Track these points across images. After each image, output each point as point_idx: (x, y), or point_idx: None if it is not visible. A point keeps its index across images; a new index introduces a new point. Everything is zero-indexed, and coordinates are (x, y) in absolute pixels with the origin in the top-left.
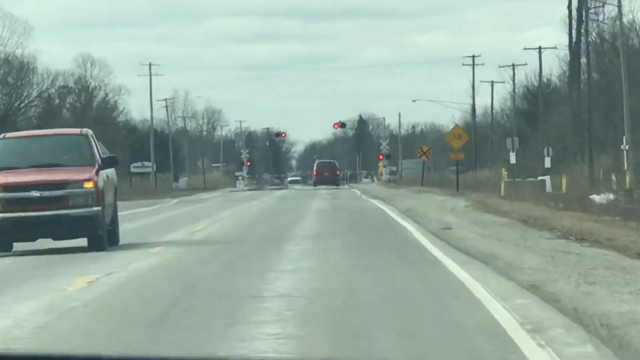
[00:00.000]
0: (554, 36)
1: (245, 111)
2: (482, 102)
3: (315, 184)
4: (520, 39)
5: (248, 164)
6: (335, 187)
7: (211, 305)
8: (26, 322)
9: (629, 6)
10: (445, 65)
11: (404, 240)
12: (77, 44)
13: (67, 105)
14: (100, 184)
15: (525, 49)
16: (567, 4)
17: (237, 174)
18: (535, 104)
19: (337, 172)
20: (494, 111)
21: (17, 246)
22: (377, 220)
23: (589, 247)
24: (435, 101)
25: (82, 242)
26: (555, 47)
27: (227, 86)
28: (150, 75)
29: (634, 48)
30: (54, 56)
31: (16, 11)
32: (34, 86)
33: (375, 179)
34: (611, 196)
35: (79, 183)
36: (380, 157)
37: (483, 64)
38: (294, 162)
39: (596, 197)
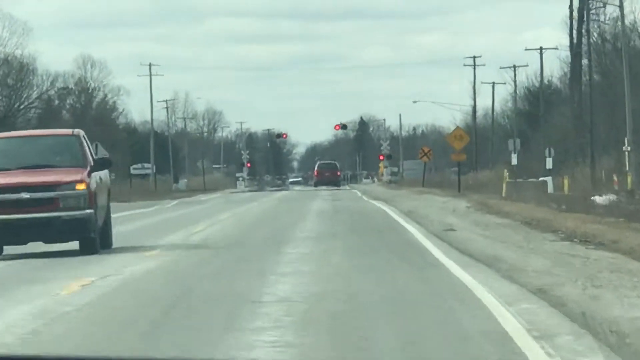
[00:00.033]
0: (555, 37)
1: (245, 112)
2: (483, 103)
3: (316, 185)
4: (521, 40)
5: (248, 165)
6: (336, 187)
7: (208, 310)
8: (17, 327)
9: (630, 7)
10: (445, 66)
11: (405, 242)
12: (77, 45)
13: (67, 107)
14: (93, 185)
15: (526, 49)
16: (568, 5)
17: (237, 175)
18: (536, 105)
19: (338, 173)
20: (494, 112)
21: (8, 250)
22: (379, 222)
23: (594, 249)
24: (436, 102)
25: (75, 245)
26: (556, 48)
27: (227, 87)
28: (150, 75)
29: (635, 49)
30: (53, 57)
31: (16, 12)
32: (34, 87)
33: (375, 179)
34: (613, 197)
35: (70, 184)
36: (381, 157)
37: (484, 65)
38: (295, 164)
39: (598, 198)
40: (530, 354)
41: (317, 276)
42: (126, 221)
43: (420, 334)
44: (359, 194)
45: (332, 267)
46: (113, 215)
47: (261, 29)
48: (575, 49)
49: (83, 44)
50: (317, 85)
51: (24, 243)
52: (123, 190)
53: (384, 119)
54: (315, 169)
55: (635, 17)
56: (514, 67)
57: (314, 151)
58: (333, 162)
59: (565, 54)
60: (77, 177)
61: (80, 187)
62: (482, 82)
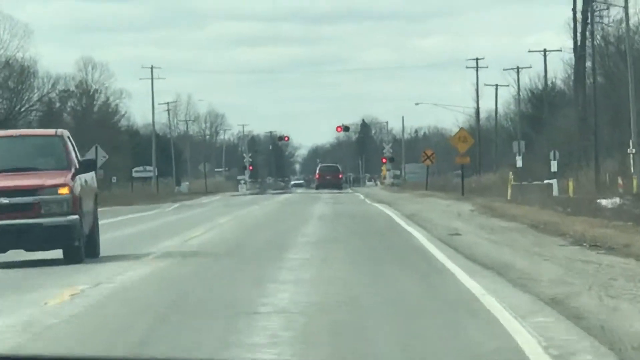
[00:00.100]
0: (558, 40)
1: (247, 115)
2: (485, 106)
3: (317, 188)
4: (524, 42)
5: (250, 168)
6: (338, 190)
7: (201, 324)
8: None
9: (634, 8)
10: (448, 68)
11: (410, 247)
12: (78, 48)
13: (68, 109)
14: (77, 189)
15: (530, 51)
16: (570, 7)
17: (239, 178)
18: (539, 108)
19: (340, 176)
20: (497, 115)
21: None
22: (382, 226)
23: (605, 254)
24: (439, 105)
25: (59, 253)
26: (560, 50)
27: (229, 90)
28: (152, 78)
29: (639, 51)
30: (54, 60)
31: (16, 14)
32: (35, 90)
33: (378, 182)
34: (618, 200)
35: (52, 189)
36: (384, 160)
37: (486, 67)
38: (297, 166)
39: (603, 201)
40: None
41: (317, 285)
42: (125, 225)
43: (427, 350)
44: (362, 196)
45: (334, 275)
46: (112, 219)
47: (263, 32)
48: (579, 51)
49: (84, 47)
50: (319, 87)
51: (4, 251)
52: (125, 193)
53: (387, 122)
54: (317, 171)
55: (639, 19)
56: (517, 69)
57: (316, 154)
58: (335, 164)
59: (569, 56)
60: (60, 180)
61: (63, 191)
62: (485, 85)
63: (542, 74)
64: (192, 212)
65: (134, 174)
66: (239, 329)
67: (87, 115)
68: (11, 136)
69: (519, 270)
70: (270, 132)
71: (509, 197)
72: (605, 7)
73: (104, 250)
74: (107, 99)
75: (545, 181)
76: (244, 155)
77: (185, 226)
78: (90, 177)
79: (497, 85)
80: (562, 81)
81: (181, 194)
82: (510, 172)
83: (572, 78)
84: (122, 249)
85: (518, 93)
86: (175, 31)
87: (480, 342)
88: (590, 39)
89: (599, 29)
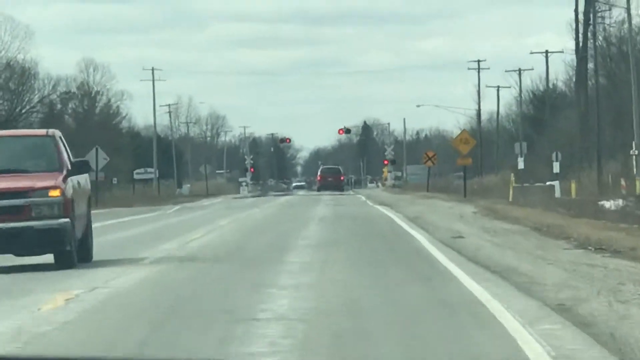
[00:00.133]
0: (560, 41)
1: (249, 117)
2: (487, 107)
3: (319, 190)
4: (525, 43)
5: (252, 170)
6: (339, 192)
7: (198, 331)
8: None
9: (636, 9)
10: (449, 70)
11: (412, 250)
12: (79, 50)
13: (69, 111)
14: (69, 191)
15: (532, 52)
16: (571, 9)
17: (240, 180)
18: (540, 109)
19: (341, 178)
20: (499, 116)
21: None
22: (384, 228)
23: (611, 257)
24: (440, 106)
25: (50, 258)
26: (561, 52)
27: (230, 92)
28: (153, 80)
29: None
30: (55, 61)
31: (18, 16)
32: (36, 92)
33: (380, 184)
34: (621, 202)
35: (43, 191)
36: (385, 162)
37: (488, 69)
38: (299, 168)
39: (606, 203)
40: None
41: (318, 289)
42: (124, 228)
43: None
44: (363, 198)
45: (335, 279)
46: (112, 221)
47: (264, 33)
48: (581, 52)
49: (85, 48)
50: (320, 89)
51: None
52: (126, 195)
53: (388, 123)
54: (319, 173)
55: None
56: (519, 70)
57: (318, 156)
58: (336, 166)
59: (571, 57)
60: (51, 182)
61: (54, 193)
62: (486, 86)
63: (544, 75)
64: (193, 214)
65: (135, 176)
66: (236, 336)
67: (88, 117)
68: (1, 137)
69: (523, 274)
70: (272, 134)
71: (510, 199)
72: (607, 8)
73: (101, 253)
74: (109, 100)
75: (548, 183)
76: (245, 157)
77: (185, 228)
78: (83, 178)
79: (498, 86)
80: (564, 83)
81: (182, 196)
82: (512, 174)
83: (574, 79)
84: (119, 252)
85: (520, 94)
86: (176, 33)
87: (487, 351)
88: (592, 40)
89: (601, 30)
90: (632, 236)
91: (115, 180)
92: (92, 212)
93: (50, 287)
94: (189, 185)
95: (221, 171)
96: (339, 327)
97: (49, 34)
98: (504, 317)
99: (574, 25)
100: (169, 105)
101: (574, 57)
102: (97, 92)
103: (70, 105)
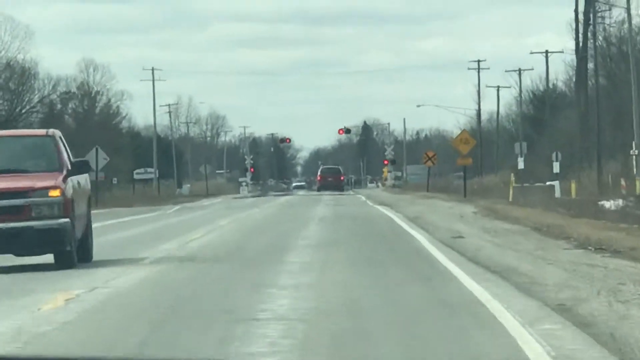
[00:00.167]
0: (560, 41)
1: (249, 117)
2: (487, 107)
3: (319, 190)
4: (525, 43)
5: (252, 170)
6: (339, 192)
7: (198, 331)
8: None
9: (636, 9)
10: (449, 70)
11: (413, 250)
12: (79, 50)
13: (69, 111)
14: (69, 191)
15: (532, 52)
16: (570, 9)
17: (240, 180)
18: (540, 109)
19: (341, 178)
20: (499, 116)
21: None
22: (384, 228)
23: (611, 257)
24: (440, 106)
25: (50, 258)
26: (561, 52)
27: (230, 92)
28: (153, 80)
29: None
30: (55, 61)
31: (18, 16)
32: (36, 92)
33: (380, 184)
34: (621, 202)
35: (43, 191)
36: (385, 162)
37: (488, 69)
38: (299, 168)
39: (606, 203)
40: None
41: (318, 290)
42: (124, 228)
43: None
44: (363, 198)
45: (335, 280)
46: (112, 221)
47: (264, 34)
48: (581, 52)
49: (85, 48)
50: (320, 90)
51: None
52: (126, 195)
53: (388, 123)
54: (319, 173)
55: None
56: (519, 70)
57: (318, 156)
58: (336, 166)
59: (571, 57)
60: (51, 182)
61: (55, 193)
62: (486, 86)
63: (544, 75)
64: (193, 214)
65: (135, 176)
66: (237, 336)
67: (88, 117)
68: (0, 137)
69: (523, 274)
70: (272, 134)
71: (510, 199)
72: (607, 8)
73: (101, 253)
74: (109, 100)
75: (547, 183)
76: (245, 157)
77: (185, 228)
78: (83, 178)
79: (498, 86)
80: (564, 83)
81: (182, 196)
82: (512, 174)
83: (574, 79)
84: (119, 252)
85: (520, 95)
86: (176, 33)
87: (487, 352)
88: (592, 40)
89: (601, 30)
90: (632, 236)
91: (115, 180)
92: (92, 212)
93: (50, 287)
94: (189, 185)
95: (221, 171)
96: (339, 327)
97: (49, 34)
98: (504, 317)
99: (574, 25)
100: (169, 105)
101: (574, 57)
102: (97, 92)
103: (70, 105)
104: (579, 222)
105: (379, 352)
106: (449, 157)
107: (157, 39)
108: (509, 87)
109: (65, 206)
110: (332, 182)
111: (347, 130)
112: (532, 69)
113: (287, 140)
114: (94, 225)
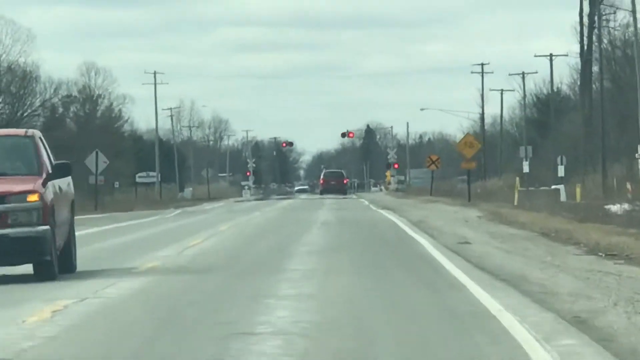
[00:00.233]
0: (564, 44)
1: (252, 121)
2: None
3: (322, 193)
4: (529, 47)
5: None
6: (342, 196)
7: (191, 346)
8: None
9: None
10: (452, 73)
11: (418, 257)
12: (81, 53)
13: (71, 115)
14: (49, 196)
15: (536, 56)
16: (573, 12)
17: (243, 183)
18: (544, 113)
19: (344, 181)
20: (503, 120)
21: None
22: (388, 233)
23: (624, 264)
24: (444, 110)
25: (29, 268)
26: (566, 55)
27: (233, 95)
28: (155, 84)
29: None
30: (57, 65)
31: (19, 19)
32: (37, 95)
33: (383, 188)
34: (627, 206)
35: (20, 196)
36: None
37: (492, 72)
38: (301, 172)
39: (612, 207)
40: None
41: (320, 301)
42: (122, 233)
43: None
44: (366, 202)
45: (338, 289)
46: (112, 226)
47: (267, 37)
48: (585, 55)
49: (87, 52)
50: (323, 93)
51: None
52: (127, 198)
53: (391, 127)
54: (321, 177)
55: None
56: (523, 74)
57: (321, 159)
58: (339, 170)
59: (575, 60)
60: (29, 186)
61: (33, 198)
62: (490, 90)
63: (548, 78)
64: (194, 218)
65: (137, 180)
66: (232, 353)
67: (90, 120)
68: None
69: (534, 282)
70: (275, 137)
71: (515, 203)
72: (612, 11)
73: (93, 261)
74: (110, 104)
75: (552, 186)
76: (248, 160)
77: (184, 234)
78: (65, 183)
79: (502, 90)
80: (568, 86)
81: (184, 199)
82: (517, 178)
83: (579, 83)
84: (113, 259)
85: (524, 98)
86: (178, 36)
87: None
88: (597, 43)
89: (606, 33)
90: None
91: (117, 184)
92: (91, 216)
93: (39, 297)
94: (191, 189)
95: (224, 175)
96: (343, 345)
97: (50, 37)
98: (519, 333)
99: (578, 29)
100: (171, 109)
101: (578, 60)
102: (99, 96)
103: (71, 109)
104: (587, 227)
105: None
106: (452, 161)
107: (160, 43)
108: (513, 91)
109: (45, 212)
110: (335, 185)
111: (350, 134)
112: (536, 72)
113: (290, 144)
114: (90, 231)
